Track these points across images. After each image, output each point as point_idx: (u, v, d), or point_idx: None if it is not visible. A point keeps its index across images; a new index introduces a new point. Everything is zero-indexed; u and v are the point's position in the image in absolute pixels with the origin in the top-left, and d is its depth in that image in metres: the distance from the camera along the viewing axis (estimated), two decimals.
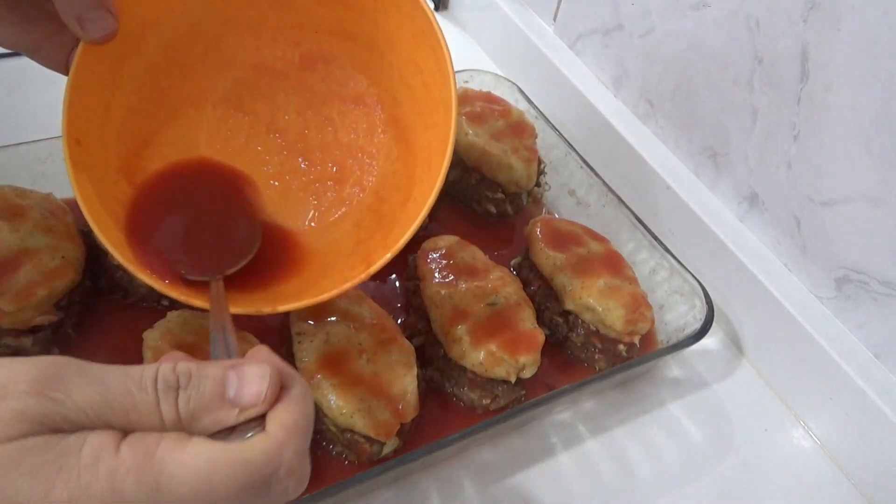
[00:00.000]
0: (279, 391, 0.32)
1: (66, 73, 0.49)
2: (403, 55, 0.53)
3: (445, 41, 0.47)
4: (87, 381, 0.29)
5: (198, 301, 0.45)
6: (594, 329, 0.68)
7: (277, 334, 0.64)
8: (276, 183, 0.58)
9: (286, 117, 0.58)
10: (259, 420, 0.31)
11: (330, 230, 0.57)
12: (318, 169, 0.58)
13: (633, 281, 0.71)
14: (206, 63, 0.56)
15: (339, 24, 0.55)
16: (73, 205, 0.67)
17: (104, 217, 0.47)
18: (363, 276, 0.47)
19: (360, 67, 0.57)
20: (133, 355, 0.58)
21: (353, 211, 0.57)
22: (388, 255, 0.47)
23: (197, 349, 0.55)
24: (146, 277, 0.45)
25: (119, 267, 0.63)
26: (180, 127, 0.55)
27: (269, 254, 0.52)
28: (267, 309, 0.46)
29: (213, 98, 0.57)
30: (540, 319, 0.68)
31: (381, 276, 0.74)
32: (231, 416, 0.31)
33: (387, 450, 0.57)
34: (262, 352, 0.35)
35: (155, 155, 0.53)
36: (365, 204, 0.57)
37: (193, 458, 0.28)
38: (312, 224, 0.57)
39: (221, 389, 0.31)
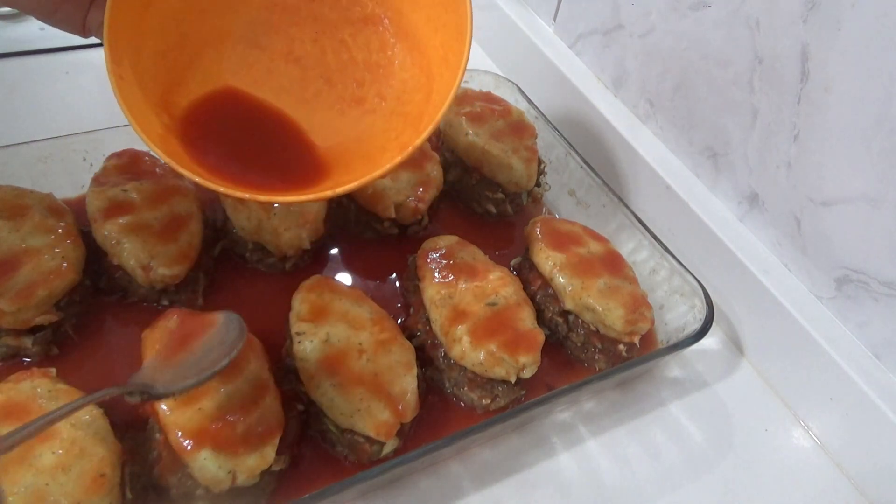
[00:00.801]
0: None
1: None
2: None
3: None
4: None
5: (242, 192, 0.48)
6: (594, 329, 0.68)
7: (277, 334, 0.64)
8: (303, 106, 0.61)
9: (303, 46, 0.62)
10: None
11: (362, 138, 0.60)
12: (340, 87, 0.62)
13: (633, 281, 0.71)
14: (220, 5, 0.59)
15: None
16: (73, 205, 0.67)
17: (155, 131, 0.50)
18: (406, 153, 0.50)
19: None
20: (132, 355, 0.58)
21: (379, 118, 0.60)
22: (422, 138, 0.51)
23: None
24: (192, 175, 0.48)
25: (119, 267, 0.63)
26: (204, 67, 0.59)
27: (314, 169, 0.56)
28: (328, 192, 0.49)
29: (231, 38, 0.60)
30: (540, 319, 0.68)
31: (381, 276, 0.75)
32: None
33: (387, 450, 0.57)
34: None
35: (186, 92, 0.57)
36: (389, 109, 0.60)
37: None
38: (345, 136, 0.60)
39: None
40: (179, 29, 0.57)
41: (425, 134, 0.51)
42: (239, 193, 0.48)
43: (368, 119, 0.61)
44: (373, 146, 0.58)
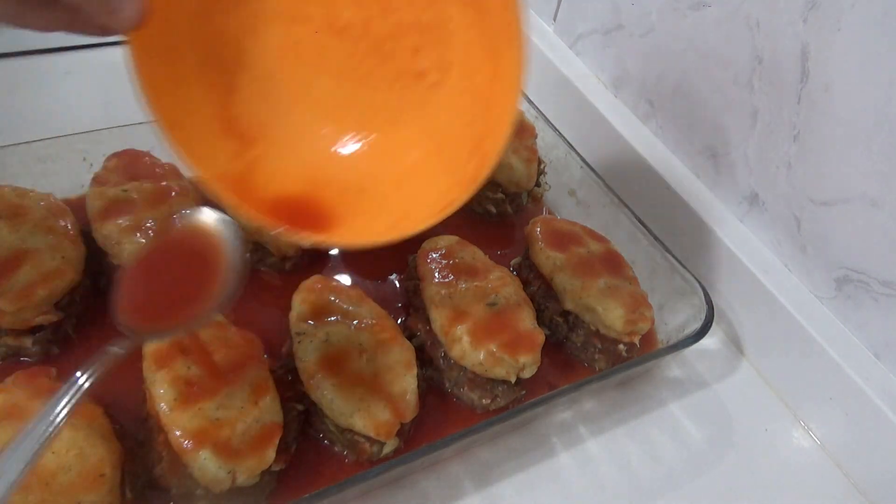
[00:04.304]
0: None
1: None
2: None
3: None
4: None
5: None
6: (594, 329, 0.68)
7: (277, 334, 0.64)
8: (362, 89, 0.53)
9: (344, 12, 0.53)
10: None
11: (433, 127, 0.52)
12: (397, 59, 0.52)
13: (633, 281, 0.71)
14: None
15: None
16: (73, 205, 0.67)
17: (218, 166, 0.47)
18: (486, 166, 0.45)
19: None
20: (132, 355, 0.58)
21: (445, 95, 0.52)
22: (503, 139, 0.44)
23: (196, 350, 0.55)
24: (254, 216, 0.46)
25: (119, 267, 0.63)
26: (251, 63, 0.52)
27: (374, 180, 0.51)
28: (394, 235, 0.46)
29: (264, 18, 0.52)
30: (540, 319, 0.68)
31: (381, 276, 0.75)
32: None
33: (387, 450, 0.57)
34: None
35: (244, 99, 0.51)
36: (455, 83, 0.51)
37: None
38: (413, 126, 0.53)
39: None
40: (213, 24, 0.48)
41: (505, 133, 0.43)
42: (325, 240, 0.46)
43: (434, 97, 0.51)
44: (447, 138, 0.50)
